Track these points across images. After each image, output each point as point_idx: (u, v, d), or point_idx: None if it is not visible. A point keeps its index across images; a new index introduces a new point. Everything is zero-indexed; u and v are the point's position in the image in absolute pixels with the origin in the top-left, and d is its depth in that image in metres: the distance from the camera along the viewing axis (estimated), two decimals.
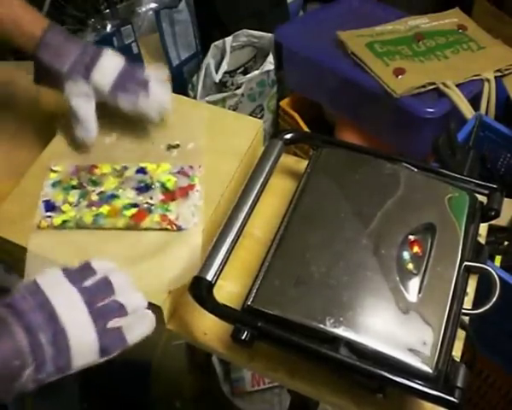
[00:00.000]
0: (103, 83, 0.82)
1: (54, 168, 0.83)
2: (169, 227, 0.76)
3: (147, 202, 0.78)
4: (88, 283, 0.59)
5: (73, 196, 0.79)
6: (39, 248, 0.74)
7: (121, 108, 0.84)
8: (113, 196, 0.78)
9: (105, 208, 0.77)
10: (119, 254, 0.73)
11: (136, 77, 0.84)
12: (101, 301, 0.58)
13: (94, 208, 0.77)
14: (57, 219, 0.77)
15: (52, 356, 0.55)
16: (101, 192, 0.79)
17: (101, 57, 0.84)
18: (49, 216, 0.77)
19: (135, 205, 0.77)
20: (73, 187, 0.81)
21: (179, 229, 0.76)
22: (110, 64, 0.84)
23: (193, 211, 0.78)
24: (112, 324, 0.58)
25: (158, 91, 0.85)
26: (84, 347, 0.57)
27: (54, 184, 0.81)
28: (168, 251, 0.74)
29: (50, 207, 0.79)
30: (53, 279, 0.59)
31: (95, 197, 0.78)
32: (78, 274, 0.60)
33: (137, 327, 0.60)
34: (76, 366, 0.57)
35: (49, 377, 0.56)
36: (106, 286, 0.60)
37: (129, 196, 0.79)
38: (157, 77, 0.87)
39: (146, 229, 0.76)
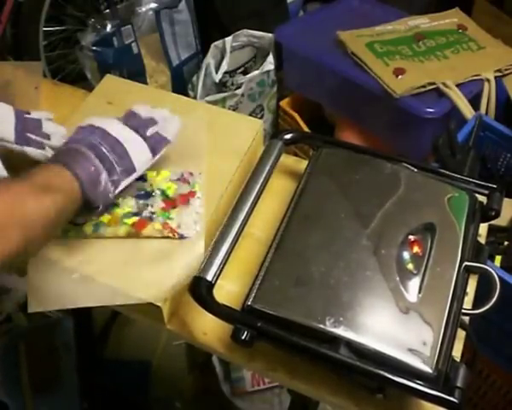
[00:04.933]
0: (7, 134, 0.78)
1: None
2: (171, 235, 0.75)
3: (147, 210, 0.77)
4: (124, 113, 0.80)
5: None
6: (41, 253, 0.74)
7: (32, 158, 0.80)
8: (113, 205, 0.77)
9: (105, 217, 0.76)
10: (120, 258, 0.74)
11: (31, 124, 0.81)
12: (135, 121, 0.78)
13: (94, 217, 0.77)
14: None
15: (116, 160, 0.72)
16: None
17: None
18: None
19: (135, 213, 0.77)
20: None
21: (181, 237, 0.75)
22: (3, 112, 0.80)
23: (194, 218, 0.77)
24: (150, 131, 0.77)
25: (58, 140, 0.82)
26: (138, 149, 0.75)
27: None
28: (170, 259, 0.74)
29: None
30: (95, 118, 0.76)
31: None
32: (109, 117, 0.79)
33: (171, 126, 0.79)
34: (139, 167, 0.75)
35: (122, 178, 0.73)
36: (136, 112, 0.79)
37: (129, 204, 0.78)
38: (46, 117, 0.85)
39: (147, 237, 0.76)
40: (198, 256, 0.73)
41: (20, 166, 0.81)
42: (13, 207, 0.59)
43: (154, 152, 0.77)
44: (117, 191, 0.73)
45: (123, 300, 0.70)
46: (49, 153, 0.81)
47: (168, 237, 0.75)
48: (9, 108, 0.81)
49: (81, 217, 0.74)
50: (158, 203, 0.78)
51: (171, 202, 0.78)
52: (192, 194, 0.79)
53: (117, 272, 0.72)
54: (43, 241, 0.65)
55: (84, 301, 0.71)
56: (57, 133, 0.84)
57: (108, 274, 0.72)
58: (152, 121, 0.78)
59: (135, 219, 0.76)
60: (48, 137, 0.82)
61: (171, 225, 0.75)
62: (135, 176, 0.75)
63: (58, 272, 0.72)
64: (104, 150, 0.71)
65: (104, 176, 0.70)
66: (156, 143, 0.77)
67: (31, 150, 0.80)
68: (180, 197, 0.79)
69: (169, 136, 0.78)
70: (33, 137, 0.81)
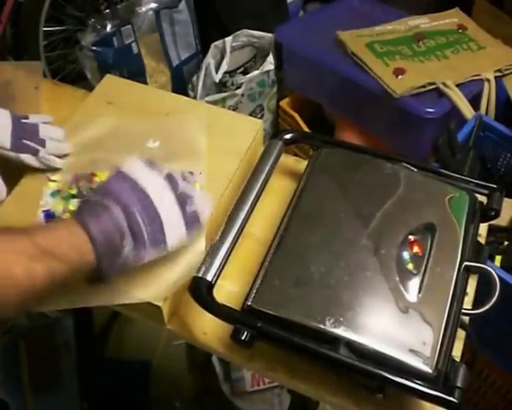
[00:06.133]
0: (3, 141, 0.79)
1: (52, 178, 0.83)
2: None
3: None
4: (164, 173, 0.69)
5: (73, 205, 0.79)
6: None
7: (27, 164, 0.82)
8: None
9: None
10: None
11: (27, 130, 0.82)
12: (177, 189, 0.68)
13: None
14: None
15: (149, 235, 0.63)
16: None
17: None
18: None
19: None
20: (73, 196, 0.80)
21: None
22: (0, 117, 0.81)
23: None
24: (189, 208, 0.68)
25: (53, 145, 0.83)
26: (175, 226, 0.66)
27: (53, 194, 0.81)
28: (170, 258, 0.74)
29: (50, 216, 0.78)
30: (137, 167, 0.68)
31: None
32: (153, 166, 0.69)
33: (205, 209, 0.71)
34: (170, 243, 0.66)
35: (148, 252, 0.64)
36: (176, 178, 0.69)
37: None
38: (44, 120, 0.86)
39: None
40: (199, 254, 0.73)
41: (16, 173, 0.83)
42: None
43: (188, 230, 0.69)
44: (135, 264, 0.66)
45: (123, 299, 0.70)
46: (43, 159, 0.82)
47: None
48: (7, 113, 0.82)
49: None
50: None
51: None
52: None
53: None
54: (15, 305, 0.58)
55: (85, 301, 0.71)
56: (54, 137, 0.84)
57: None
58: (189, 196, 0.70)
59: None
60: (43, 143, 0.83)
61: None
62: (163, 253, 0.67)
63: None
64: (140, 222, 0.63)
65: (128, 249, 0.63)
66: (191, 224, 0.69)
67: (25, 157, 0.81)
68: None
69: (202, 219, 0.71)
70: (29, 143, 0.81)
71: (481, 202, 0.77)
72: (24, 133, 0.82)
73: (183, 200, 0.68)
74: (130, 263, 0.64)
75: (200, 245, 0.75)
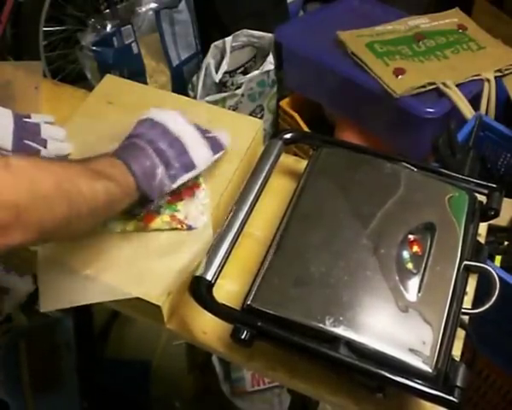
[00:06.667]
0: (4, 141, 0.80)
1: None
2: (179, 226, 0.76)
3: (154, 204, 0.78)
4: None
5: None
6: (50, 253, 0.74)
7: None
8: None
9: None
10: (129, 256, 0.74)
11: (29, 130, 0.82)
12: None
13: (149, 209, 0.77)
14: None
15: (174, 156, 0.74)
16: None
17: None
18: None
19: None
20: None
21: (189, 228, 0.77)
22: (2, 117, 0.81)
23: (201, 210, 0.78)
24: (209, 134, 0.80)
25: (54, 146, 0.83)
26: (198, 146, 0.77)
27: None
28: (179, 251, 0.75)
29: None
30: (154, 111, 0.79)
31: None
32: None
33: (224, 137, 0.81)
34: (199, 164, 0.76)
35: (180, 173, 0.74)
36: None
37: None
38: (46, 120, 0.86)
39: (156, 230, 0.76)
40: (206, 244, 0.73)
41: None
42: (63, 183, 0.60)
43: (213, 151, 0.79)
44: (174, 185, 0.74)
45: (125, 295, 0.71)
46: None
47: (176, 229, 0.76)
48: (9, 112, 0.82)
49: (138, 208, 0.75)
50: (164, 197, 0.78)
51: (177, 196, 0.79)
52: (197, 185, 0.80)
53: (126, 268, 0.73)
54: (88, 223, 0.66)
55: (86, 298, 0.72)
56: (55, 137, 0.84)
57: (117, 270, 0.73)
58: (207, 130, 0.81)
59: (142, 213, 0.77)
60: (45, 143, 0.83)
61: (179, 217, 0.77)
62: (195, 172, 0.76)
63: (67, 271, 0.73)
64: (162, 146, 0.73)
65: (160, 170, 0.71)
66: (214, 145, 0.80)
67: None
68: (186, 190, 0.79)
69: (224, 143, 0.81)
70: (31, 144, 0.81)
71: (481, 202, 0.77)
72: (26, 133, 0.81)
73: (201, 129, 0.79)
74: (165, 184, 0.72)
75: (208, 235, 0.76)
